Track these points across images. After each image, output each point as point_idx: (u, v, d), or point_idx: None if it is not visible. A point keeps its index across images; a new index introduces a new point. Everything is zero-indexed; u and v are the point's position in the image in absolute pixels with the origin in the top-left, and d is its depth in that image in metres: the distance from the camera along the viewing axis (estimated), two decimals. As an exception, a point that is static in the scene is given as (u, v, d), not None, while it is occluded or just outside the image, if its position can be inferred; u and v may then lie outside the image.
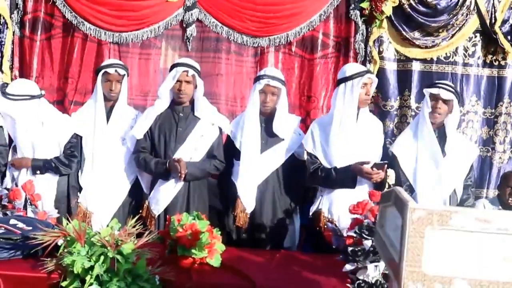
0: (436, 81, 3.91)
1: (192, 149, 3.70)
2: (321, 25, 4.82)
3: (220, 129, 3.81)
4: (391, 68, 4.87)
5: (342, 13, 4.81)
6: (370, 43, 4.75)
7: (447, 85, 3.69)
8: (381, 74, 4.80)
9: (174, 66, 3.78)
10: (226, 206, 3.76)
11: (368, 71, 3.71)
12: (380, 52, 4.81)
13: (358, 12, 4.73)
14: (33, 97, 3.67)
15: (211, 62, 4.89)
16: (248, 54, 4.92)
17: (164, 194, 3.67)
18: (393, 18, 4.71)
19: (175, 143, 3.69)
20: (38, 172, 3.72)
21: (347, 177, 3.51)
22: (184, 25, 4.80)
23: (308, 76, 4.86)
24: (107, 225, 2.88)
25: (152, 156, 3.73)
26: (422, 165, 3.61)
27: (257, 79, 3.76)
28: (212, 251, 2.85)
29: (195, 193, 3.72)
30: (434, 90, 3.65)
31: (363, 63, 4.70)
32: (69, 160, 3.80)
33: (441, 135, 3.66)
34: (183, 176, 3.55)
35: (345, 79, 3.58)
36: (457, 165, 3.64)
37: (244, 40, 4.86)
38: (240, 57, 4.92)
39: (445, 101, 3.61)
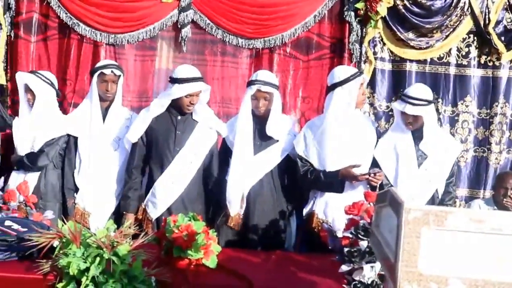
0: (403, 93, 3.78)
1: (192, 154, 3.67)
2: (316, 26, 4.84)
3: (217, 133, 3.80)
4: (385, 68, 4.89)
5: (336, 14, 4.83)
6: (365, 43, 4.77)
7: (413, 98, 3.58)
8: (376, 75, 4.82)
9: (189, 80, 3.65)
10: (220, 206, 3.74)
11: (361, 72, 3.70)
12: (375, 53, 4.82)
13: (352, 13, 4.75)
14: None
15: (206, 65, 4.89)
16: (243, 56, 4.93)
17: (163, 198, 3.64)
18: (388, 19, 4.73)
19: (174, 146, 3.65)
20: (15, 167, 3.82)
21: (336, 181, 3.52)
22: (179, 26, 4.80)
23: (303, 77, 4.89)
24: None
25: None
26: (403, 167, 3.60)
27: (249, 84, 3.72)
28: (208, 252, 2.85)
29: (193, 196, 3.71)
30: (399, 107, 3.63)
31: (358, 64, 4.72)
32: (37, 158, 3.82)
33: (420, 135, 3.65)
34: None
35: (340, 83, 3.54)
36: (439, 165, 3.64)
37: (239, 42, 4.87)
38: (235, 58, 4.93)
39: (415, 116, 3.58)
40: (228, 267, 2.84)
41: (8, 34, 4.75)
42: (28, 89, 3.81)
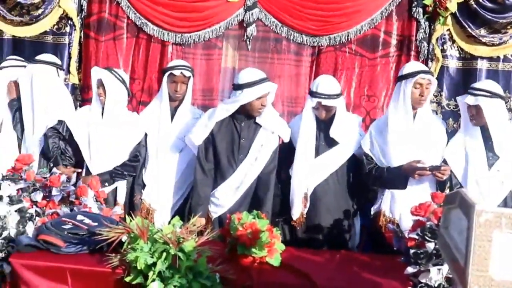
0: (472, 86, 3.61)
1: (253, 160, 3.64)
2: (383, 23, 4.77)
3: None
4: (454, 66, 4.75)
5: (404, 10, 4.74)
6: (433, 41, 4.65)
7: (476, 89, 3.47)
8: (444, 72, 4.69)
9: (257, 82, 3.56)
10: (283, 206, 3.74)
11: (424, 71, 3.57)
12: (443, 51, 4.69)
13: (420, 10, 4.66)
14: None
15: (269, 63, 4.91)
16: (306, 54, 4.91)
17: (225, 197, 3.65)
18: (458, 15, 4.59)
19: (238, 154, 3.62)
20: (106, 184, 3.77)
21: (399, 177, 3.46)
22: (244, 25, 4.84)
23: (369, 75, 4.82)
24: (169, 222, 2.94)
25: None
26: (472, 167, 3.47)
27: (310, 94, 3.63)
28: (272, 250, 2.85)
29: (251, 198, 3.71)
30: (461, 98, 3.53)
31: (425, 62, 4.62)
32: (134, 165, 3.91)
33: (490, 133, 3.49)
34: None
35: (400, 78, 3.54)
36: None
37: (304, 40, 4.86)
38: (298, 56, 4.92)
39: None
40: (292, 266, 2.84)
41: (80, 35, 4.93)
42: (100, 85, 3.89)
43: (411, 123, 3.52)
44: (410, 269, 2.59)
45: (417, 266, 2.58)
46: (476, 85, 3.58)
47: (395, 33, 4.79)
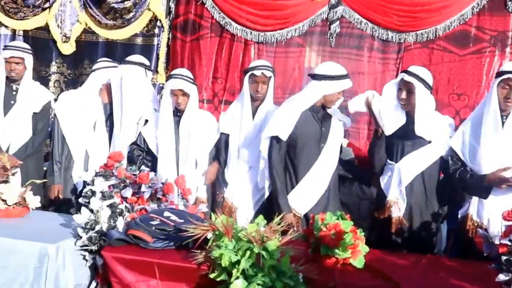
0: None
1: (333, 149, 3.68)
2: (474, 18, 4.59)
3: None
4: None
5: (497, 4, 4.52)
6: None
7: None
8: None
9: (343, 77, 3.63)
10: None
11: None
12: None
13: (517, 3, 4.43)
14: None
15: (353, 60, 4.86)
16: (391, 51, 4.82)
17: (309, 196, 3.66)
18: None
19: (319, 143, 3.66)
20: None
21: (481, 185, 3.30)
22: (328, 23, 4.80)
23: (458, 72, 4.65)
24: (251, 221, 2.96)
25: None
26: None
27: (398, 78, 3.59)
28: (356, 252, 2.81)
29: (334, 193, 3.73)
30: None
31: (522, 59, 4.39)
32: None
33: None
34: None
35: (496, 75, 3.37)
36: None
37: (389, 36, 4.78)
38: (383, 54, 4.85)
39: None
40: (376, 269, 2.79)
41: (168, 36, 5.08)
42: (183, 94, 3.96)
43: (500, 127, 3.31)
44: (502, 277, 2.48)
45: (510, 274, 2.47)
46: None
47: (488, 29, 4.58)
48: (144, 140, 4.07)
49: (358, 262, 2.81)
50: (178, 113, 3.98)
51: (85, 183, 3.27)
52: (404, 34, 4.75)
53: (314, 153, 3.66)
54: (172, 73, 4.09)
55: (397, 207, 3.53)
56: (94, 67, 4.47)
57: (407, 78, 3.45)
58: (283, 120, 3.65)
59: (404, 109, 3.53)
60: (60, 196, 4.30)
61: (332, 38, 4.84)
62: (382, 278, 2.70)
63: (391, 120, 3.52)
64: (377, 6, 4.75)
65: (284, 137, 3.62)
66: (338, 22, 4.81)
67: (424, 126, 3.48)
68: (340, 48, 4.90)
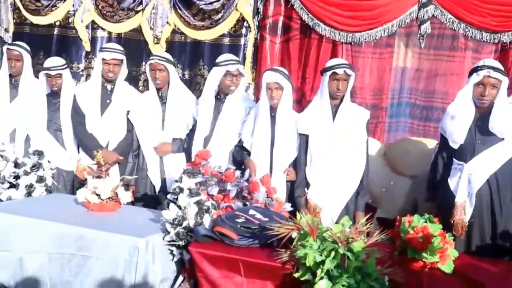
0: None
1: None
2: None
3: None
4: None
5: None
6: None
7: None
8: None
9: None
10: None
11: None
12: None
13: None
14: None
15: (445, 60, 4.71)
16: (486, 51, 4.64)
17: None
18: None
19: None
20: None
21: None
22: (418, 23, 4.69)
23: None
24: (335, 221, 2.94)
25: None
26: None
27: (474, 70, 3.43)
28: (444, 256, 2.72)
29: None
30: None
31: None
32: None
33: None
34: None
35: None
36: None
37: (484, 37, 4.61)
38: (477, 54, 4.67)
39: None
40: (466, 275, 2.69)
41: (255, 36, 5.14)
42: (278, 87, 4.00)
43: None
44: None
45: None
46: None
47: None
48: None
49: (447, 267, 2.72)
50: (272, 113, 4.05)
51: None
52: (499, 34, 4.58)
53: None
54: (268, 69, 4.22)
55: (463, 211, 3.40)
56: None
57: (494, 74, 3.34)
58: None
59: (481, 105, 3.40)
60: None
61: (422, 38, 4.72)
62: (472, 285, 2.60)
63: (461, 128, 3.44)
64: (470, 5, 4.59)
65: None
66: (429, 22, 4.68)
67: (500, 122, 3.35)
68: (431, 49, 4.77)
